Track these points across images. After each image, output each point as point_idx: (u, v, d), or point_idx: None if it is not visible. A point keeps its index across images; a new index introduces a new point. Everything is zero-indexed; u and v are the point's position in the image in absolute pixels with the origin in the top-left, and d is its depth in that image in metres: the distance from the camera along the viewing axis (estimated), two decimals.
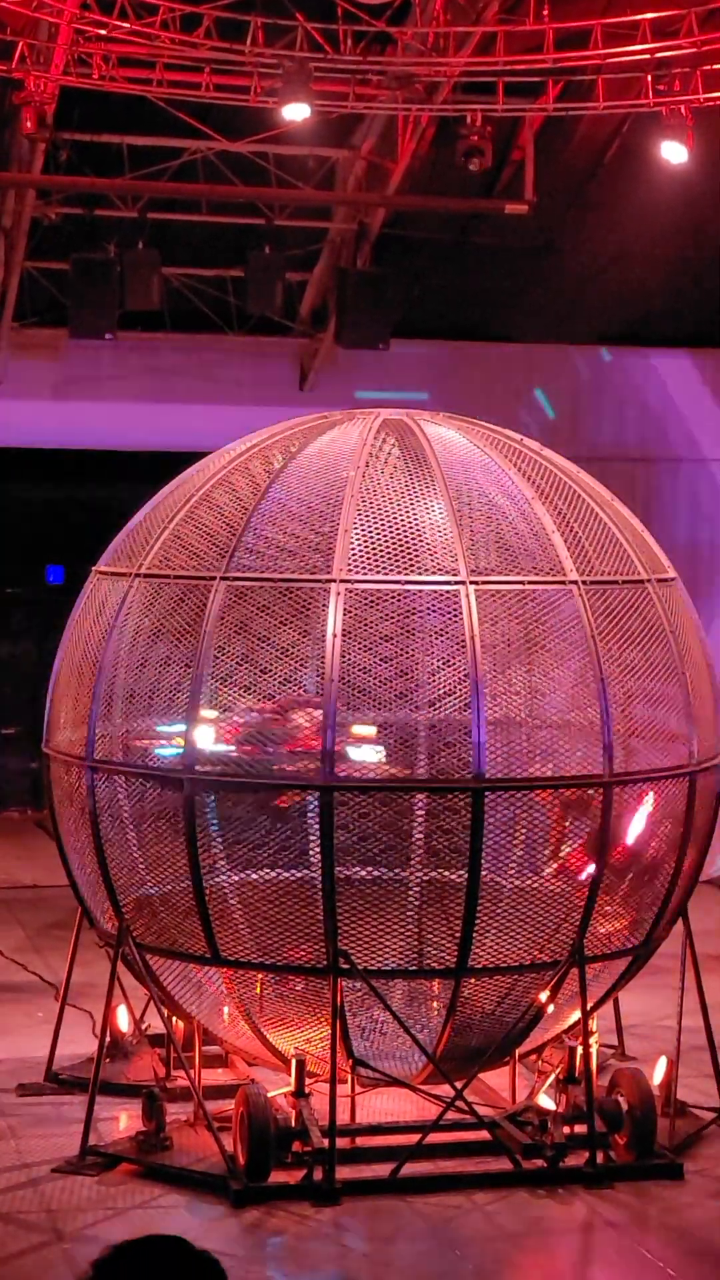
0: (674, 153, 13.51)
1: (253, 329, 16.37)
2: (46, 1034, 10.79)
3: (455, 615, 9.30)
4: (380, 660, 9.27)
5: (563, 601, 9.49)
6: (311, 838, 9.42)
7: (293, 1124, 9.14)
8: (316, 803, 9.23)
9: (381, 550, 9.36)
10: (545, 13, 12.92)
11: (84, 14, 12.66)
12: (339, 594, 9.24)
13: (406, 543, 9.40)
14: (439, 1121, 9.39)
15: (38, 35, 13.16)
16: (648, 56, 12.97)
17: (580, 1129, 9.39)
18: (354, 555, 9.34)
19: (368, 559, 9.35)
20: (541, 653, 9.57)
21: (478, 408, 11.73)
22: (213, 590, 9.41)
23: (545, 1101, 9.57)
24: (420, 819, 9.60)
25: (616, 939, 9.75)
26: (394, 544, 9.38)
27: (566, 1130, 9.35)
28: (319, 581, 9.33)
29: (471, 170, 13.63)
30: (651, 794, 9.60)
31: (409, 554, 9.38)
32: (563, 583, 9.50)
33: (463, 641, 9.25)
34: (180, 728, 9.38)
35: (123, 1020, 10.65)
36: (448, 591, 9.33)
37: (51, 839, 10.58)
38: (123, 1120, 10.00)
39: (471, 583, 9.33)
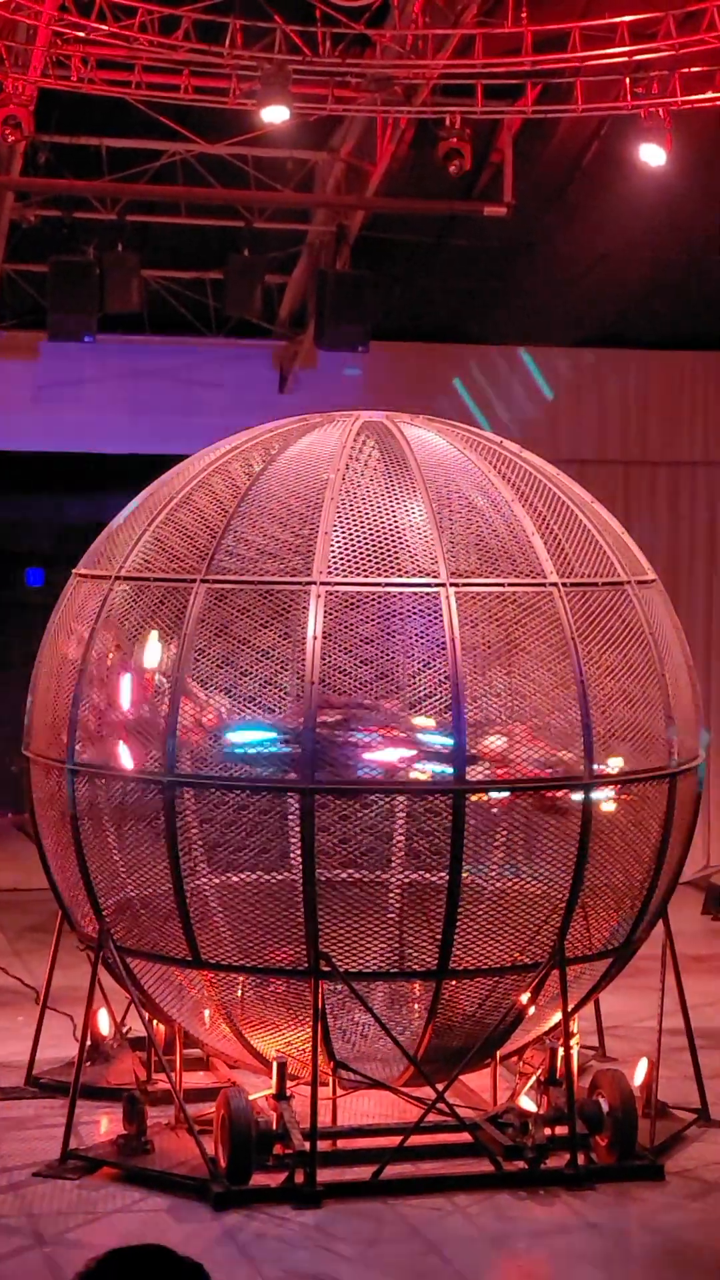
0: (652, 155, 13.51)
1: (232, 331, 16.34)
2: (27, 1038, 10.77)
3: (435, 617, 9.31)
4: (361, 663, 9.28)
5: (543, 604, 9.50)
6: (292, 840, 9.42)
7: (274, 1127, 9.13)
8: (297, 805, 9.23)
9: (361, 552, 9.37)
10: (523, 15, 12.92)
11: (62, 16, 12.63)
12: (319, 596, 9.24)
13: (386, 545, 9.42)
14: (420, 1124, 9.39)
15: (15, 37, 13.14)
16: (626, 59, 12.97)
17: (561, 1130, 9.40)
18: (334, 558, 9.35)
19: (348, 561, 9.35)
20: (522, 655, 9.58)
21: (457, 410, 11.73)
22: (192, 593, 9.41)
23: (526, 1103, 9.58)
24: (401, 821, 9.60)
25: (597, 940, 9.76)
26: (374, 546, 9.39)
27: (547, 1132, 9.37)
28: (299, 584, 9.33)
29: (451, 173, 13.63)
30: None
31: (389, 556, 9.39)
32: (543, 585, 9.51)
33: (443, 644, 9.26)
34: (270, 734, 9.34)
35: (103, 1024, 10.64)
36: (428, 594, 9.34)
37: (32, 842, 10.57)
38: (104, 1124, 9.99)
39: (452, 585, 9.34)
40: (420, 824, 9.43)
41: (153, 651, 9.58)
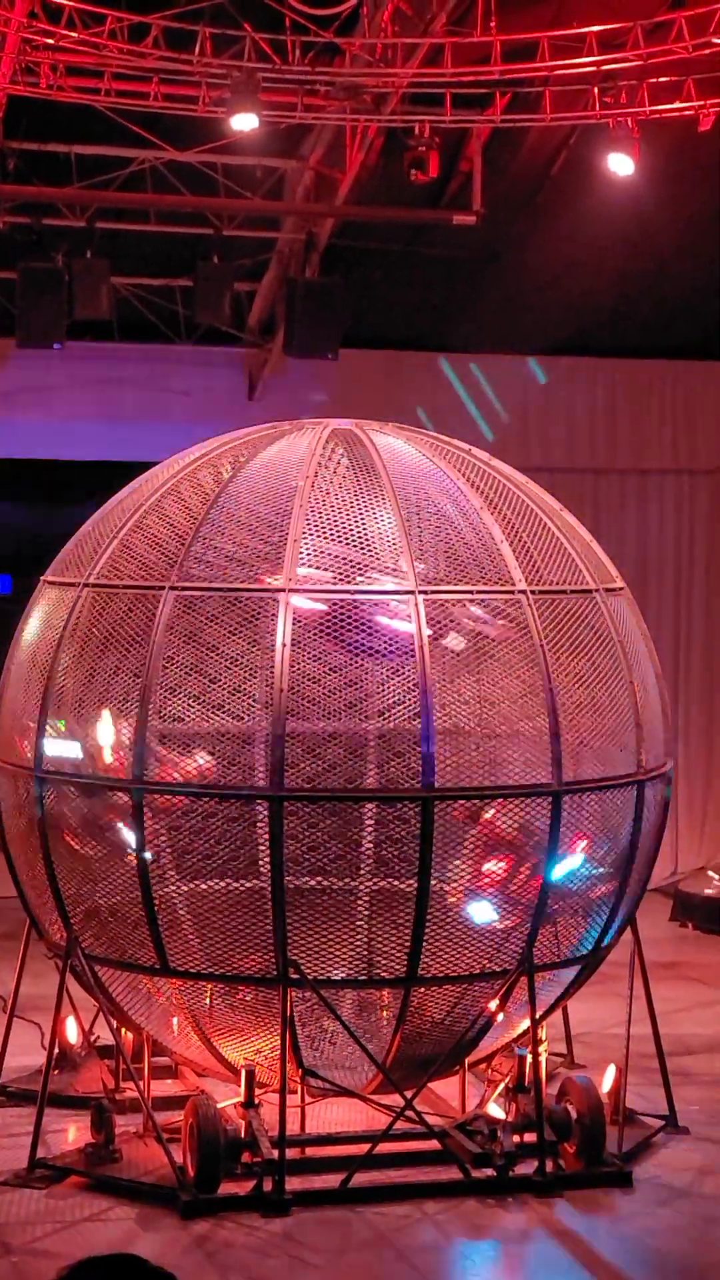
0: (620, 165, 13.55)
1: (201, 339, 16.34)
2: None
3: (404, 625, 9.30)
4: (330, 670, 9.28)
5: (512, 611, 9.51)
6: (261, 847, 9.41)
7: (242, 1135, 9.12)
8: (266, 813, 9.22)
9: (330, 560, 9.38)
10: (493, 25, 12.95)
11: (31, 23, 12.62)
12: (288, 604, 9.24)
13: (355, 552, 9.42)
14: (389, 1131, 9.39)
15: None
16: (594, 69, 13.01)
17: (530, 1138, 9.41)
18: (303, 565, 9.35)
19: (317, 569, 9.35)
20: (491, 662, 9.59)
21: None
22: (161, 600, 9.40)
23: (495, 1110, 9.59)
24: (370, 828, 9.60)
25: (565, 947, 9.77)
26: (343, 554, 9.40)
27: (516, 1139, 9.37)
28: (268, 591, 9.33)
29: (416, 181, 13.65)
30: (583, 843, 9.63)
31: (358, 564, 9.40)
32: (511, 592, 9.53)
33: (412, 651, 9.27)
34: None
35: (71, 1032, 10.61)
36: (397, 601, 9.34)
37: None
38: (71, 1132, 9.96)
39: (420, 592, 9.35)
40: (389, 831, 9.43)
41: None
